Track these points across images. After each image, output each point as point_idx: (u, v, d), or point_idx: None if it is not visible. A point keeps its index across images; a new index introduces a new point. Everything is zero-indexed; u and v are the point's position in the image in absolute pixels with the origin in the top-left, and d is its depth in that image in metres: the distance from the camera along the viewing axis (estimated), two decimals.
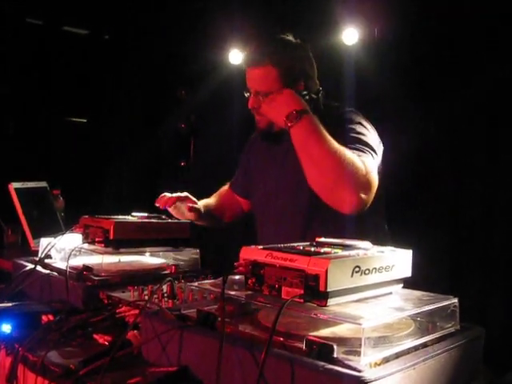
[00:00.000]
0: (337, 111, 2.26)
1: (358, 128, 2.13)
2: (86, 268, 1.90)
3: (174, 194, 2.40)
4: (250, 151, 2.63)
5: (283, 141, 2.26)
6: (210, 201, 2.69)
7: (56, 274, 1.98)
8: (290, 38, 2.26)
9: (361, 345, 1.06)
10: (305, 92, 2.14)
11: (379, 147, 2.15)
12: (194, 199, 2.48)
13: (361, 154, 2.00)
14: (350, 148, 1.98)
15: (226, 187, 2.78)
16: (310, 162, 1.93)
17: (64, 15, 5.43)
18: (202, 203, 2.58)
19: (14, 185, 2.83)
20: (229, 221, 2.78)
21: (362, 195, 1.89)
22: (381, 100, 3.61)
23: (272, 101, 2.06)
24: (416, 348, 1.15)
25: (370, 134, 2.14)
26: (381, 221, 2.37)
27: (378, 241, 1.48)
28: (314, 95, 2.19)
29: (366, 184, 1.92)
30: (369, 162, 1.98)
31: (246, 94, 2.26)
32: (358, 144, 2.04)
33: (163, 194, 2.41)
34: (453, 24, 3.56)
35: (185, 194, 2.45)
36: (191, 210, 2.40)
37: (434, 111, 3.64)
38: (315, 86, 2.28)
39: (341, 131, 2.04)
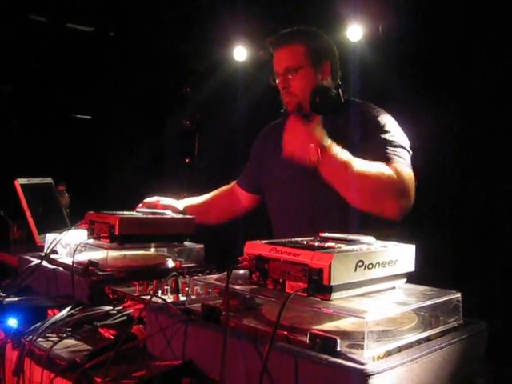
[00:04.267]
0: (364, 108, 2.32)
1: (392, 129, 2.19)
2: (92, 263, 1.91)
3: (146, 200, 2.58)
4: (266, 143, 2.62)
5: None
6: (194, 201, 2.73)
7: (62, 269, 1.99)
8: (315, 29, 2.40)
9: (364, 338, 1.07)
10: (333, 91, 2.25)
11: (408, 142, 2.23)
12: (167, 202, 2.59)
13: (394, 158, 2.08)
14: (387, 154, 2.08)
15: (223, 187, 2.79)
16: (345, 189, 2.03)
17: (68, 12, 5.44)
18: (184, 203, 2.62)
19: (20, 181, 2.84)
20: (216, 222, 2.79)
21: (402, 201, 2.03)
22: (385, 96, 3.60)
23: (292, 135, 2.07)
24: (419, 342, 1.16)
25: (401, 133, 2.22)
26: None
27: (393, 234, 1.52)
28: (332, 93, 2.27)
29: (402, 191, 2.03)
30: (401, 167, 2.07)
31: (276, 80, 2.34)
32: (395, 147, 2.12)
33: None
34: (457, 20, 3.56)
35: (155, 198, 2.60)
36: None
37: (438, 107, 3.64)
38: (338, 75, 2.38)
39: (374, 133, 2.14)
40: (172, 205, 2.57)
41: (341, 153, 1.99)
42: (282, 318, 1.09)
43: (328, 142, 1.99)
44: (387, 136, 2.14)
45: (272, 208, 2.53)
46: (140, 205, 2.55)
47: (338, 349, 1.06)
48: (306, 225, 2.30)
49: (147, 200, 2.58)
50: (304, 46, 2.28)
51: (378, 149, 2.09)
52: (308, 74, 2.26)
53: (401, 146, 2.13)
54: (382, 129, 2.17)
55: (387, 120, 2.23)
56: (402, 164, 2.09)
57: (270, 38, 2.36)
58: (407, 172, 2.08)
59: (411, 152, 2.18)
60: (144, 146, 5.77)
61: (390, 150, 2.10)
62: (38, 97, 5.39)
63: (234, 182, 2.76)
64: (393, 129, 2.19)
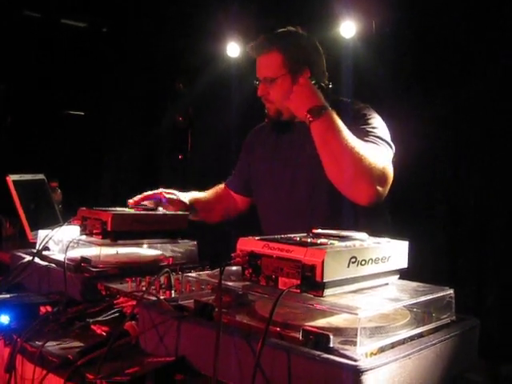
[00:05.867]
0: (351, 106, 2.31)
1: (374, 122, 2.19)
2: (84, 260, 1.91)
3: (148, 193, 2.44)
4: (256, 142, 2.62)
5: (291, 131, 2.32)
6: (199, 195, 2.70)
7: (54, 265, 1.98)
8: (297, 29, 2.36)
9: (357, 335, 1.06)
10: (313, 81, 2.18)
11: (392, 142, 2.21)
12: (172, 193, 2.49)
13: (377, 146, 2.07)
14: (367, 141, 2.06)
15: (220, 186, 2.77)
16: (329, 156, 2.01)
17: (62, 8, 5.41)
18: (190, 196, 2.59)
19: (12, 177, 2.82)
20: (217, 220, 2.77)
21: (379, 188, 2.00)
22: (379, 93, 3.61)
23: (292, 93, 2.11)
24: (412, 338, 1.16)
25: (385, 129, 2.20)
26: (387, 212, 2.40)
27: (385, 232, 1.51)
28: (322, 84, 2.25)
29: (382, 177, 2.01)
30: (384, 155, 2.07)
31: (256, 83, 2.34)
32: (374, 137, 2.11)
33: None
34: (451, 16, 3.56)
35: (160, 190, 2.48)
36: (169, 201, 2.42)
37: (431, 104, 3.64)
38: (323, 76, 2.34)
39: (356, 124, 2.11)
40: (178, 198, 2.49)
41: (337, 118, 2.01)
42: (275, 314, 1.09)
43: (326, 103, 2.04)
44: (368, 127, 2.14)
45: (261, 204, 2.53)
46: (138, 197, 2.45)
47: (331, 345, 1.06)
48: (296, 220, 2.30)
49: (150, 192, 2.50)
50: (281, 54, 2.26)
51: (358, 138, 2.07)
52: (285, 83, 2.24)
53: (382, 139, 2.13)
54: (364, 121, 2.17)
55: (371, 114, 2.23)
56: (386, 155, 2.09)
57: (250, 45, 2.36)
58: (390, 164, 2.08)
59: (394, 148, 2.17)
60: (137, 143, 5.76)
61: (370, 139, 2.09)
62: (31, 93, 5.36)
63: (223, 184, 2.75)
64: (375, 122, 2.19)
